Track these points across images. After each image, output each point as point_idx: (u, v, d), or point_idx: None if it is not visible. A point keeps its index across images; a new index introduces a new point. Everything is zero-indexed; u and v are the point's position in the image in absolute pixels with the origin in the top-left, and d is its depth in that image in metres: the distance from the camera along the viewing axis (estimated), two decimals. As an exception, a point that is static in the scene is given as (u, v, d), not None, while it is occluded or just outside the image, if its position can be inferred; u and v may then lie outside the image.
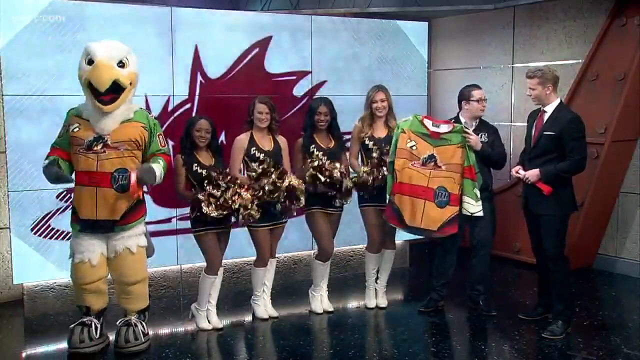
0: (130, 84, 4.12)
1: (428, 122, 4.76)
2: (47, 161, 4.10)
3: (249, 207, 4.44)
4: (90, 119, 4.10)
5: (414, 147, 4.71)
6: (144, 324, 4.39)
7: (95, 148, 4.07)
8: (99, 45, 4.06)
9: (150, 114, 4.41)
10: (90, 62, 4.02)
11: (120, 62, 4.06)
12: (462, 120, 4.95)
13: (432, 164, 4.69)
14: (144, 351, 4.30)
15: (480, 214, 4.70)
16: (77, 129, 4.10)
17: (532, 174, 4.47)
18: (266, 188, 4.53)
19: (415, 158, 4.70)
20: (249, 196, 4.45)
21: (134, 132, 4.17)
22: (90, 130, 4.08)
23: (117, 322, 4.35)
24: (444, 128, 4.73)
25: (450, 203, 4.65)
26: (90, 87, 4.02)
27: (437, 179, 4.67)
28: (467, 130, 4.74)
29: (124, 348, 4.26)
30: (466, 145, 4.69)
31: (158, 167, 4.20)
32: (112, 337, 4.46)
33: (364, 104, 5.04)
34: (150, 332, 4.49)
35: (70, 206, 4.34)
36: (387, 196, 4.79)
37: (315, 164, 4.73)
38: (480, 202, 4.68)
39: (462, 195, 4.68)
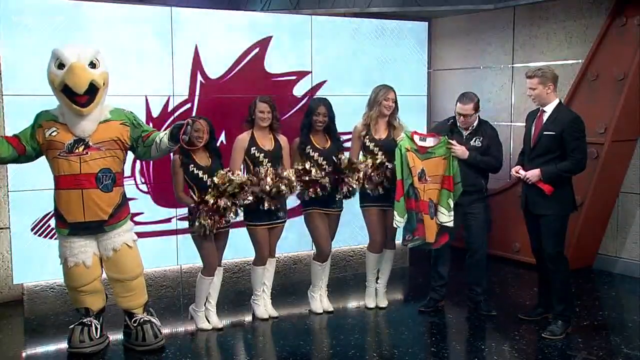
0: (104, 83, 4.11)
1: (416, 137, 4.80)
2: None
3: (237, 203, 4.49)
4: (68, 122, 4.10)
5: (412, 165, 4.75)
6: (156, 318, 4.45)
7: (76, 150, 4.09)
8: (68, 49, 4.06)
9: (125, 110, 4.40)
10: (61, 66, 4.01)
11: (91, 62, 4.05)
12: (458, 123, 4.94)
13: (424, 178, 4.75)
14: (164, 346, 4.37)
15: (451, 224, 4.76)
16: (56, 133, 4.09)
17: (533, 174, 4.47)
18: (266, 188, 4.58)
19: (413, 174, 4.75)
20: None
21: (114, 132, 4.20)
22: (69, 133, 4.09)
23: (132, 323, 4.35)
24: (430, 142, 4.79)
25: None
26: (65, 91, 4.01)
27: (429, 192, 4.76)
28: (451, 142, 4.76)
29: (152, 344, 4.30)
30: (450, 156, 4.74)
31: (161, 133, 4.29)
32: (115, 337, 4.49)
33: (368, 103, 5.00)
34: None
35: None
36: (400, 220, 4.77)
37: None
38: (452, 213, 4.75)
39: (437, 204, 4.76)
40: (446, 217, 4.76)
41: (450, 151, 4.74)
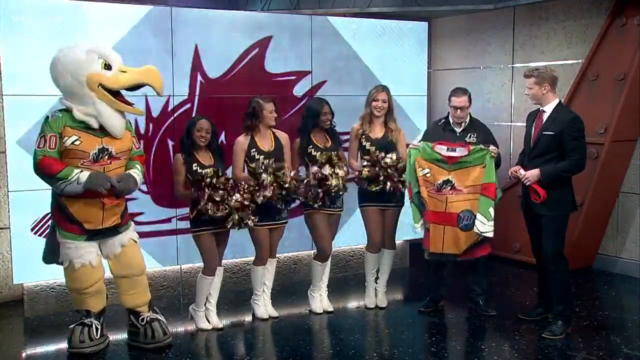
0: None
1: (441, 148, 4.66)
2: (80, 171, 3.98)
3: (244, 210, 4.46)
4: (109, 124, 4.06)
5: (428, 174, 4.65)
6: (162, 316, 4.47)
7: (101, 160, 4.09)
8: (112, 51, 4.17)
9: None
10: (108, 66, 4.05)
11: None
12: (450, 120, 4.93)
13: (449, 188, 4.62)
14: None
15: (490, 234, 4.59)
16: (79, 142, 4.03)
17: (533, 174, 4.46)
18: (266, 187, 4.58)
19: (430, 185, 4.65)
20: (244, 198, 4.48)
21: (129, 141, 4.27)
22: (93, 141, 4.06)
23: (140, 322, 4.35)
24: (460, 151, 4.64)
25: None
26: (115, 90, 4.06)
27: (459, 203, 4.61)
28: (494, 150, 4.64)
29: (162, 341, 4.33)
30: (488, 163, 4.59)
31: (137, 174, 4.27)
32: (115, 337, 4.49)
33: (365, 102, 5.04)
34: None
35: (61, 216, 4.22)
36: (416, 225, 4.77)
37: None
38: (492, 222, 4.58)
39: (477, 213, 4.58)
40: (486, 227, 4.56)
41: (491, 157, 4.59)
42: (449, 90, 4.98)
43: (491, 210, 4.58)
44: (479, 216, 4.59)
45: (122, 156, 4.20)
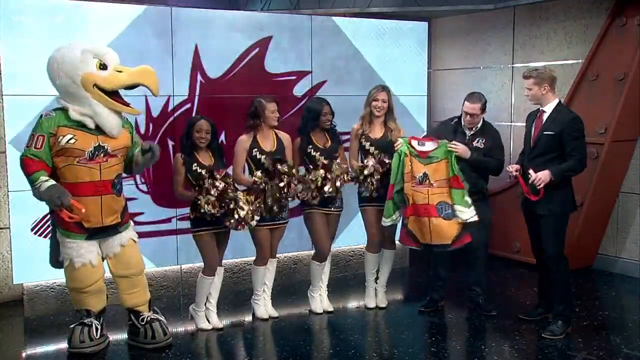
0: None
1: (414, 143, 4.78)
2: (45, 180, 3.92)
3: (245, 211, 4.45)
4: (106, 125, 4.06)
5: (411, 168, 4.74)
6: (162, 316, 4.47)
7: (97, 158, 4.08)
8: (109, 51, 4.15)
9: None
10: (103, 66, 4.04)
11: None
12: (462, 123, 4.94)
13: (427, 181, 4.71)
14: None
15: (475, 218, 4.67)
16: (74, 140, 4.02)
17: (545, 176, 4.39)
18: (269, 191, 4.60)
19: (413, 178, 4.72)
20: (246, 200, 4.48)
21: (127, 139, 4.25)
22: (88, 139, 4.05)
23: (140, 322, 4.35)
24: (429, 146, 4.76)
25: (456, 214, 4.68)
26: (114, 92, 4.06)
27: (435, 195, 4.70)
28: (452, 144, 4.72)
29: (162, 341, 4.34)
30: (451, 157, 4.68)
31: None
32: (115, 337, 4.49)
33: (365, 102, 5.04)
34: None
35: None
36: (385, 220, 4.82)
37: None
38: (472, 207, 4.68)
39: (453, 204, 4.68)
40: (467, 214, 4.66)
41: (451, 151, 4.70)
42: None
43: (467, 199, 4.69)
44: (457, 207, 4.68)
45: (119, 153, 4.19)
